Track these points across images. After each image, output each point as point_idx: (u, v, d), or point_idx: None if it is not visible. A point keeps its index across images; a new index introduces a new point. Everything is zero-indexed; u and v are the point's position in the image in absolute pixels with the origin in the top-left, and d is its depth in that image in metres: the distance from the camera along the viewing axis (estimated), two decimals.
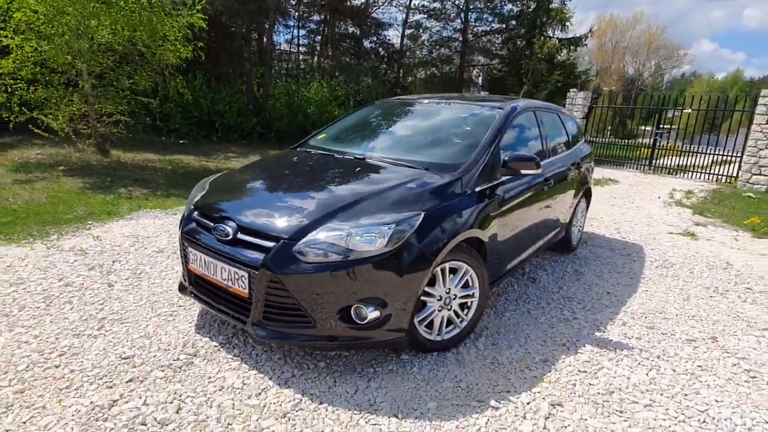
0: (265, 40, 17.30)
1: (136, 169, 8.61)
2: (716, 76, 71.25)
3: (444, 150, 3.18)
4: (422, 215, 2.35)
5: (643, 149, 13.95)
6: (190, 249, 2.55)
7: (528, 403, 2.21)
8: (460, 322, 2.68)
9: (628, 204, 7.94)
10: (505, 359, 2.61)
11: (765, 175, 10.02)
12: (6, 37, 7.69)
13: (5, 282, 3.21)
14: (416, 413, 2.09)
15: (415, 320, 2.45)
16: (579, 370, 2.54)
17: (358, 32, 20.40)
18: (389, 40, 20.71)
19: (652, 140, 12.95)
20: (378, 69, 20.47)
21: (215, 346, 2.53)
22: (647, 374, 2.54)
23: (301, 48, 23.58)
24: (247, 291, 2.27)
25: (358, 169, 2.94)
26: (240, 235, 2.36)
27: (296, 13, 21.56)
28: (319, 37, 22.63)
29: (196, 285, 2.60)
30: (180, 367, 2.31)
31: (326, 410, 2.06)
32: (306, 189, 2.75)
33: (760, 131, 10.08)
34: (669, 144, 14.44)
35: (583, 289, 3.79)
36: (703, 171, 11.58)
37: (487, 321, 3.07)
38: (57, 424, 1.88)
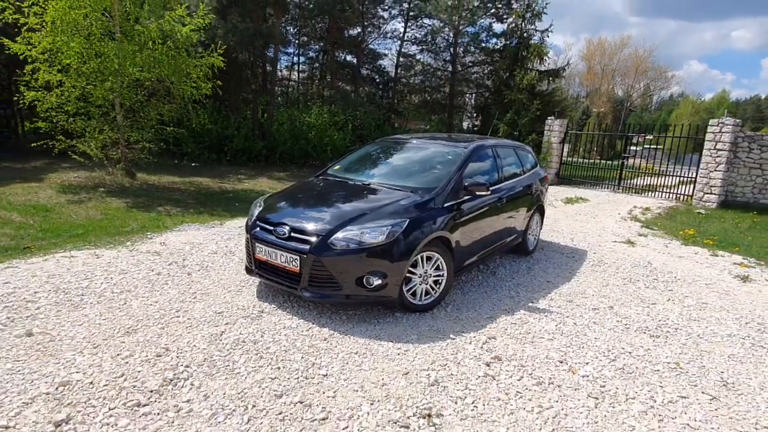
0: (269, 69, 18.84)
1: (164, 190, 9.94)
2: (703, 97, 73.98)
3: (423, 178, 4.58)
4: (408, 221, 3.73)
5: (614, 171, 15.46)
6: (257, 244, 3.92)
7: (474, 336, 3.56)
8: (434, 293, 4.04)
9: (589, 219, 9.34)
10: (463, 317, 3.96)
11: (715, 194, 11.49)
12: (51, 74, 9.01)
13: (115, 271, 4.54)
14: (404, 340, 3.43)
15: (404, 289, 3.80)
16: (511, 323, 3.89)
17: (355, 61, 22.09)
18: (384, 68, 22.42)
19: (620, 163, 14.43)
20: (374, 95, 22.10)
21: (274, 307, 3.87)
22: (556, 325, 3.89)
23: (301, 75, 25.29)
24: (298, 268, 3.63)
25: (365, 192, 4.34)
26: (293, 234, 3.73)
27: (296, 42, 23.30)
28: (317, 65, 24.35)
29: (260, 268, 3.96)
30: (255, 317, 3.65)
31: (350, 338, 3.41)
32: (331, 205, 4.15)
33: (710, 156, 11.59)
34: (646, 165, 15.94)
35: (529, 279, 5.15)
36: (665, 190, 13.05)
37: (454, 297, 4.42)
38: (189, 342, 3.20)
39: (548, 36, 18.07)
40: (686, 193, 12.51)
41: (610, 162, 18.95)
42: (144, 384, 2.69)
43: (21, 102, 9.63)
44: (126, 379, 2.73)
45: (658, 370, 3.23)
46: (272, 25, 16.97)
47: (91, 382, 2.68)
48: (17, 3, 8.82)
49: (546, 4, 17.63)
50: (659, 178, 13.43)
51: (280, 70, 24.54)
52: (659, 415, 2.70)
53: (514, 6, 18.62)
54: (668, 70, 57.78)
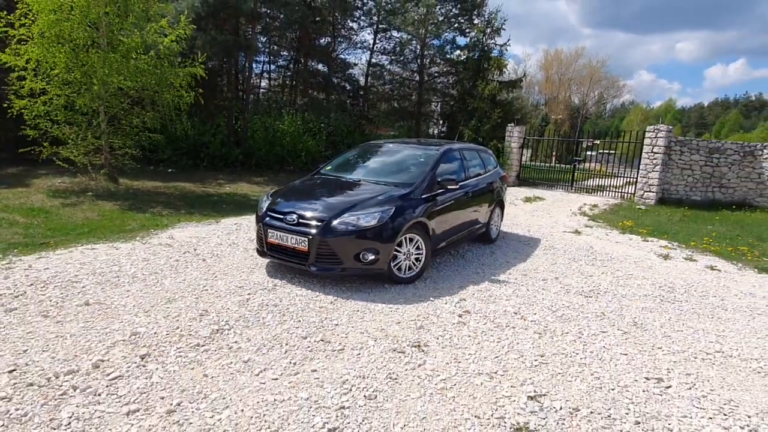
0: (244, 77, 19.43)
1: (150, 194, 10.44)
2: (652, 104, 78.83)
3: (403, 175, 5.51)
4: (394, 208, 4.64)
5: (569, 173, 16.92)
6: (269, 231, 4.73)
7: (449, 299, 4.49)
8: (416, 268, 4.95)
9: (544, 215, 10.51)
10: (439, 287, 4.89)
11: (653, 192, 12.96)
12: (35, 83, 9.42)
13: (137, 259, 5.23)
14: (394, 303, 4.32)
15: (392, 264, 4.69)
16: (478, 290, 4.84)
17: (327, 70, 22.94)
18: (355, 77, 23.36)
19: (572, 166, 15.86)
20: (345, 103, 22.99)
21: (284, 282, 4.68)
22: (512, 291, 4.88)
23: (273, 83, 25.90)
24: (306, 248, 4.47)
25: (356, 186, 5.23)
26: (300, 221, 4.57)
27: (267, 50, 23.93)
28: (289, 73, 25.04)
29: (272, 250, 4.77)
30: (270, 289, 4.46)
31: (351, 301, 4.27)
32: (330, 197, 5.01)
33: (648, 158, 13.08)
34: (599, 168, 17.52)
35: (492, 260, 6.15)
36: (612, 190, 14.51)
37: (431, 274, 5.34)
38: (223, 306, 3.98)
39: (506, 49, 19.68)
40: (630, 192, 13.98)
41: (565, 165, 20.57)
42: (198, 333, 3.47)
43: (9, 110, 9.94)
44: (182, 330, 3.50)
45: (587, 317, 4.25)
46: (248, 36, 17.61)
47: (155, 333, 3.43)
48: (8, 17, 9.21)
49: (504, 21, 19.13)
50: (608, 180, 14.91)
51: (253, 79, 25.08)
52: (584, 342, 3.69)
53: (476, 22, 20.01)
54: (620, 79, 61.30)
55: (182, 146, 15.99)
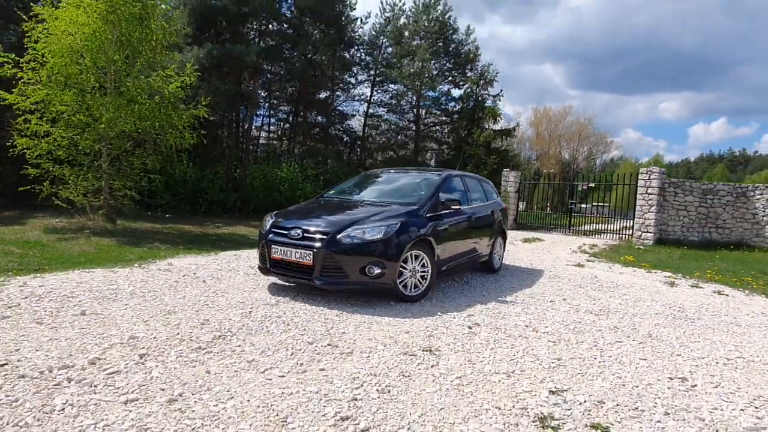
0: (245, 127, 19.95)
1: (148, 233, 10.35)
2: (640, 160, 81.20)
3: (408, 197, 5.52)
4: (399, 223, 4.61)
5: (566, 218, 17.11)
6: (272, 246, 4.66)
7: (457, 314, 4.36)
8: (421, 286, 4.85)
9: (545, 252, 10.48)
10: (446, 305, 4.77)
11: (651, 233, 13.02)
12: (40, 125, 9.57)
13: (135, 280, 5.10)
14: (402, 317, 4.19)
15: (397, 281, 4.59)
16: (486, 308, 4.72)
17: (325, 121, 23.65)
18: (352, 128, 24.07)
19: (568, 208, 16.03)
20: (342, 152, 23.51)
21: (287, 299, 4.55)
22: (521, 309, 4.76)
23: (271, 134, 26.58)
24: (311, 262, 4.39)
25: (361, 206, 5.22)
26: (305, 235, 4.52)
27: (267, 103, 24.75)
28: (288, 125, 25.77)
29: (275, 266, 4.68)
30: (273, 304, 4.32)
31: (356, 315, 4.13)
32: (334, 214, 4.99)
33: (643, 200, 13.26)
34: (597, 217, 17.74)
35: (497, 286, 6.04)
36: (610, 233, 14.59)
37: (436, 295, 5.23)
38: (225, 317, 3.84)
39: (500, 100, 20.49)
40: (628, 234, 14.05)
41: (562, 213, 20.85)
42: (199, 338, 3.32)
43: (12, 150, 10.02)
44: (182, 336, 3.35)
45: (600, 330, 4.12)
46: (249, 89, 18.29)
47: (155, 337, 3.28)
48: (16, 58, 9.51)
49: (496, 73, 20.08)
50: (605, 225, 15.03)
51: (252, 130, 25.75)
52: (601, 349, 3.56)
53: (469, 74, 20.95)
54: (607, 136, 63.40)
55: (181, 192, 16.08)
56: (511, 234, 13.49)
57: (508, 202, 16.33)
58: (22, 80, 9.43)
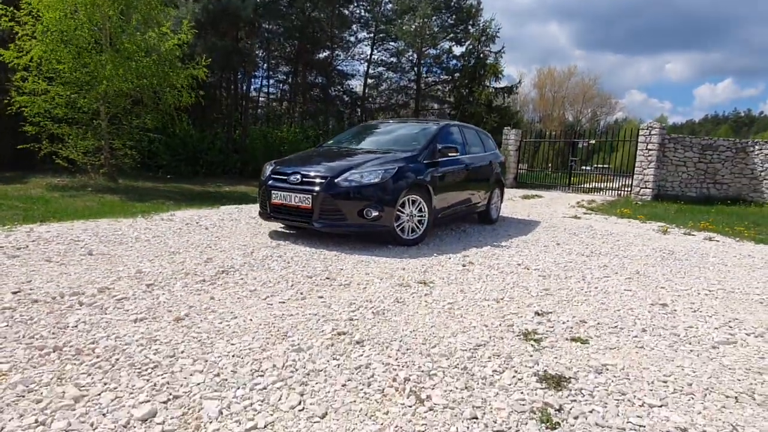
0: (243, 89, 19.70)
1: (150, 191, 10.46)
2: (645, 121, 80.00)
3: (406, 145, 5.57)
4: (397, 168, 4.69)
5: (565, 176, 17.10)
6: (272, 192, 4.76)
7: (453, 255, 4.50)
8: (419, 231, 4.97)
9: (543, 207, 10.57)
10: (443, 248, 4.91)
11: (649, 188, 13.07)
12: (37, 83, 9.50)
13: (140, 227, 5.22)
14: (398, 257, 4.33)
15: (395, 225, 4.71)
16: (481, 250, 4.86)
17: (325, 81, 23.30)
18: (353, 88, 23.75)
19: (569, 166, 16.02)
20: (343, 113, 23.29)
21: (287, 242, 4.68)
22: (515, 252, 4.90)
23: (271, 96, 26.24)
24: (310, 205, 4.49)
25: (360, 153, 5.28)
26: (304, 180, 4.61)
27: (266, 64, 24.32)
28: (287, 85, 25.42)
29: (275, 211, 4.79)
30: (274, 246, 4.46)
31: (354, 255, 4.28)
32: (333, 161, 5.06)
33: (643, 156, 13.23)
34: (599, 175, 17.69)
35: (494, 234, 6.17)
36: (609, 189, 14.64)
37: (433, 241, 5.36)
38: (228, 257, 3.98)
39: (501, 56, 20.09)
40: (627, 190, 14.10)
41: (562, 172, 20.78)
42: (204, 273, 3.46)
43: (9, 108, 9.98)
44: (187, 271, 3.50)
45: (590, 268, 4.27)
46: (247, 45, 17.93)
47: (161, 272, 3.43)
48: (13, 10, 9.35)
49: (498, 29, 19.60)
50: (606, 183, 15.05)
51: (251, 92, 25.44)
52: (588, 282, 3.71)
53: (471, 30, 20.45)
54: (612, 97, 62.12)
55: (181, 153, 16.08)
56: (511, 192, 13.56)
57: (509, 161, 16.31)
58: (18, 35, 9.30)
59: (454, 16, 20.61)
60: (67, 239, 4.39)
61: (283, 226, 5.46)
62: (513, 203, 10.87)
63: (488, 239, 5.67)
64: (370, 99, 22.72)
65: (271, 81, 25.86)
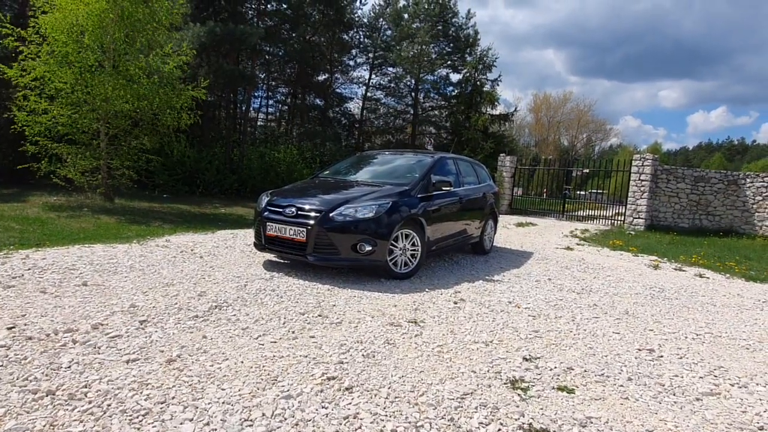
0: (242, 109, 19.92)
1: (147, 212, 10.48)
2: (639, 147, 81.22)
3: (400, 177, 5.67)
4: (391, 203, 4.77)
5: (559, 204, 17.26)
6: (267, 224, 4.82)
7: (444, 290, 4.55)
8: (411, 265, 5.02)
9: (537, 236, 10.67)
10: (435, 282, 4.95)
11: (642, 218, 13.22)
12: (38, 103, 9.61)
13: (135, 255, 5.25)
14: (390, 292, 4.37)
15: (388, 259, 4.77)
16: (473, 285, 4.91)
17: (323, 103, 23.62)
18: (350, 111, 24.05)
19: (562, 195, 16.19)
20: (340, 135, 23.54)
21: (281, 274, 4.72)
22: (507, 287, 4.95)
23: (269, 116, 26.53)
24: (305, 238, 4.55)
25: (354, 185, 5.37)
26: (299, 212, 4.67)
27: (265, 85, 24.65)
28: (286, 107, 25.73)
29: (269, 243, 4.84)
30: (268, 279, 4.49)
31: (347, 290, 4.31)
32: (328, 193, 5.13)
33: (636, 186, 13.42)
34: (592, 203, 17.91)
35: (486, 266, 6.23)
36: (603, 218, 14.78)
37: (425, 273, 5.41)
38: (221, 290, 4.01)
39: (498, 84, 20.50)
40: (620, 219, 14.24)
41: (556, 199, 21.01)
42: (196, 308, 3.49)
43: (12, 126, 10.06)
44: (180, 306, 3.52)
45: (580, 307, 4.32)
46: (248, 69, 18.22)
47: (154, 306, 3.46)
48: (20, 31, 9.51)
49: (495, 58, 20.03)
50: (599, 210, 15.22)
51: (250, 112, 25.70)
52: (577, 323, 3.76)
53: (468, 59, 20.88)
54: (607, 123, 63.22)
55: (178, 172, 16.14)
56: (505, 219, 13.68)
57: (504, 187, 16.50)
58: (23, 54, 9.44)
59: (452, 44, 21.08)
60: (62, 267, 4.41)
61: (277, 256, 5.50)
62: (507, 231, 10.96)
63: (480, 273, 5.73)
64: (368, 122, 23.00)
65: (270, 102, 26.21)
